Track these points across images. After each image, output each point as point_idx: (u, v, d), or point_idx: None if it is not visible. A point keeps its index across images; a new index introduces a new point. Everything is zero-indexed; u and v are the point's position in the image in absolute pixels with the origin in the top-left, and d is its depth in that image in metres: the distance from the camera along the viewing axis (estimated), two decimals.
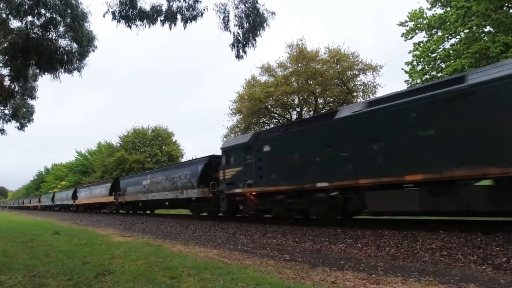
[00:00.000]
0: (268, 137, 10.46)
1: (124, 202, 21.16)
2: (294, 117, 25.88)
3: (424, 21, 17.99)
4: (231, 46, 7.24)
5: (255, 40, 7.12)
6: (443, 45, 16.81)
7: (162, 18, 7.24)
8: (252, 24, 6.94)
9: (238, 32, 7.12)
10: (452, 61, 15.49)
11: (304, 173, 8.93)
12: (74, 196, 30.94)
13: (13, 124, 16.75)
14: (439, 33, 17.15)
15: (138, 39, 18.75)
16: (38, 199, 46.95)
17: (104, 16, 6.90)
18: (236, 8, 6.99)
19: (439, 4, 17.17)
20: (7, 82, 10.79)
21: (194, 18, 7.17)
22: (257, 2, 6.92)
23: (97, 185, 26.84)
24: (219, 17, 7.07)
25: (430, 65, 17.16)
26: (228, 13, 7.05)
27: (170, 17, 7.16)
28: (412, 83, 17.57)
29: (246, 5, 6.92)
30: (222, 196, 11.96)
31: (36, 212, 38.60)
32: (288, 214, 9.93)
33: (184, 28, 7.18)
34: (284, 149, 9.69)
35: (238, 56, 7.25)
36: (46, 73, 10.23)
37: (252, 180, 10.59)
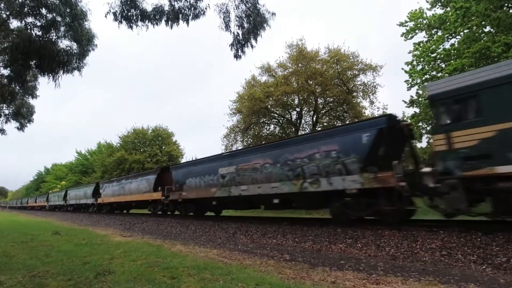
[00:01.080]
0: None
1: (181, 200, 15.36)
2: (294, 117, 25.93)
3: (424, 21, 18.01)
4: (230, 46, 7.26)
5: (256, 40, 7.12)
6: (443, 45, 16.84)
7: (165, 19, 7.24)
8: (252, 24, 6.95)
9: (237, 32, 7.14)
10: (452, 61, 15.49)
11: None
12: (96, 194, 26.20)
13: (13, 124, 16.75)
14: (439, 33, 17.17)
15: (139, 39, 18.77)
16: (46, 198, 42.81)
17: (106, 16, 6.91)
18: (236, 8, 7.01)
19: (439, 4, 17.19)
20: (6, 83, 10.79)
21: (196, 16, 7.18)
22: (257, 3, 6.94)
23: (132, 178, 21.35)
24: (220, 17, 7.09)
25: (430, 65, 17.18)
26: (229, 13, 7.07)
27: (172, 18, 7.16)
28: (412, 83, 17.61)
29: (247, 5, 6.93)
30: (449, 183, 6.60)
31: (36, 212, 38.59)
32: None
33: (187, 25, 7.17)
34: None
35: (236, 56, 7.27)
36: (46, 75, 10.21)
37: None
